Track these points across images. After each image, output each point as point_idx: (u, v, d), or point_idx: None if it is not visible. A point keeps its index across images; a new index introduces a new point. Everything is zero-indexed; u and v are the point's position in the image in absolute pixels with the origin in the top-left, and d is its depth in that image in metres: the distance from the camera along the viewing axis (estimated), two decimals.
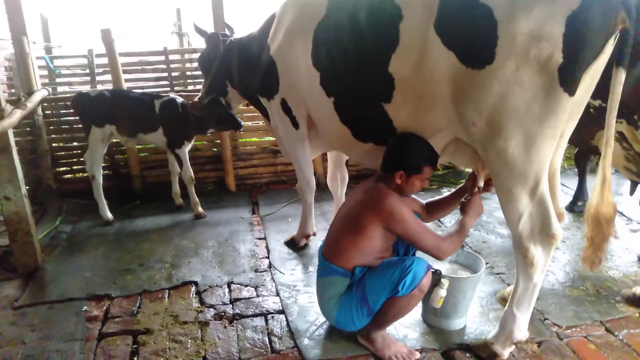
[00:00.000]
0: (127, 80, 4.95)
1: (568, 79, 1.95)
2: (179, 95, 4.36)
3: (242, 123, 4.12)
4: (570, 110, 2.07)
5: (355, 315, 2.40)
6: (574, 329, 2.65)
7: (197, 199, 4.44)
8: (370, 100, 2.53)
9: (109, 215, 4.37)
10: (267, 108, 3.44)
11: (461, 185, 2.69)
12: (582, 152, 4.13)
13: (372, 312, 2.38)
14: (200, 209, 4.44)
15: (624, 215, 4.09)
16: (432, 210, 2.76)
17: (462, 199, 2.58)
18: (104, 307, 2.97)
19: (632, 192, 3.27)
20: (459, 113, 2.22)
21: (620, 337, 2.57)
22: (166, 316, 2.86)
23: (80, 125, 4.60)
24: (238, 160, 5.17)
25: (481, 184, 2.58)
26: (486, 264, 3.01)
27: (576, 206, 4.22)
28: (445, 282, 2.44)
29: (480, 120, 2.14)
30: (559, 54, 1.91)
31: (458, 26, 2.09)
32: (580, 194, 4.25)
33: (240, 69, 3.59)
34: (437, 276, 2.46)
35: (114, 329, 2.74)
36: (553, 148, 2.16)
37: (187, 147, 4.33)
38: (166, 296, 3.10)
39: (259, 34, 3.43)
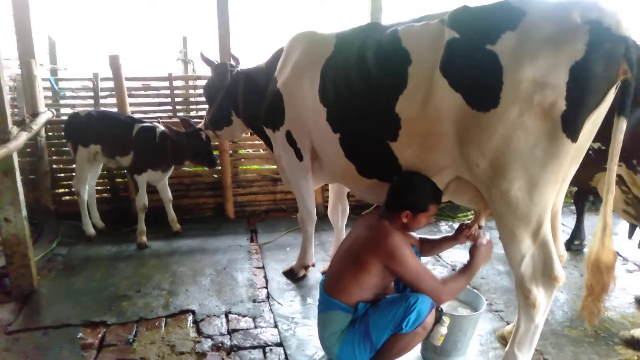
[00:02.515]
0: (130, 104, 4.99)
1: (570, 126, 2.01)
2: (184, 120, 4.33)
3: (218, 162, 4.18)
4: (573, 155, 2.13)
5: (358, 351, 2.37)
6: None
7: (143, 228, 4.34)
8: (376, 138, 2.58)
9: (92, 230, 4.45)
10: (272, 139, 3.48)
11: (457, 231, 2.73)
12: (581, 192, 4.19)
13: (374, 349, 2.36)
14: (144, 239, 4.33)
15: (620, 256, 4.12)
16: (426, 248, 2.77)
17: (469, 239, 2.61)
18: (100, 335, 2.93)
19: (630, 235, 3.31)
20: (463, 153, 2.27)
21: None
22: (163, 345, 2.83)
23: None
24: (238, 187, 5.19)
25: (482, 223, 2.61)
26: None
27: (573, 245, 4.25)
28: (446, 320, 2.44)
29: (483, 161, 2.18)
30: (562, 102, 1.97)
31: (464, 69, 2.15)
32: (577, 232, 4.29)
33: (246, 100, 3.64)
34: (438, 313, 2.46)
35: (109, 358, 2.70)
36: (556, 191, 2.20)
37: (153, 176, 4.29)
38: (163, 325, 3.07)
39: (266, 66, 3.51)
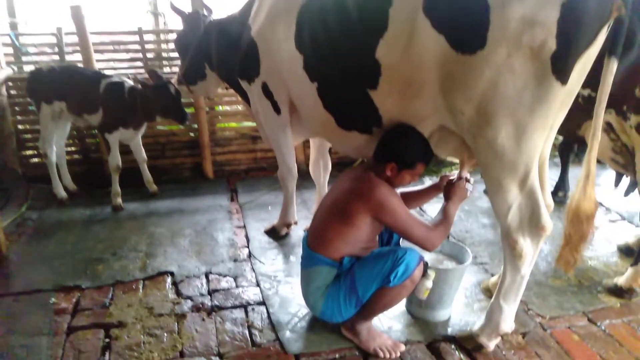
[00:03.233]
0: (98, 61, 4.73)
1: (561, 67, 1.89)
2: (152, 72, 4.06)
3: (188, 117, 3.97)
4: (562, 99, 2.02)
5: (343, 306, 2.33)
6: (557, 320, 2.64)
7: (118, 189, 4.17)
8: (355, 87, 2.43)
9: (63, 193, 4.28)
10: (248, 92, 3.30)
11: (437, 180, 2.65)
12: (567, 143, 4.13)
13: (360, 303, 2.32)
14: (119, 201, 4.17)
15: (603, 206, 4.11)
16: (409, 201, 2.69)
17: (445, 183, 2.53)
18: (74, 299, 2.82)
19: (617, 184, 3.27)
20: (448, 101, 2.15)
21: (603, 328, 2.58)
22: (140, 308, 2.74)
23: None
24: (216, 146, 5.01)
25: (466, 174, 2.53)
26: None
27: (557, 196, 4.21)
28: (431, 274, 2.38)
29: (469, 108, 2.07)
30: (552, 41, 1.84)
31: (449, 9, 2.00)
32: (562, 184, 4.26)
33: (220, 51, 3.43)
34: (423, 267, 2.41)
35: (84, 322, 2.60)
36: (544, 138, 2.11)
37: (125, 135, 4.09)
38: (140, 287, 2.97)
39: (240, 14, 3.28)
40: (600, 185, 4.59)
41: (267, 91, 3.09)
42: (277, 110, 3.12)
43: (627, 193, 3.31)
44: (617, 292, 2.84)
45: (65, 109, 4.01)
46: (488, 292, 2.84)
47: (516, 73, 1.92)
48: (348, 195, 2.32)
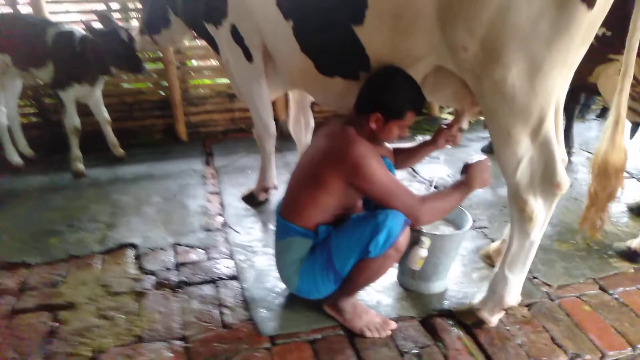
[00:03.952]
0: (55, 13, 4.22)
1: None
2: (102, 16, 3.58)
3: (146, 68, 3.55)
4: (585, 30, 1.67)
5: (320, 282, 2.02)
6: (566, 289, 2.37)
7: (78, 153, 3.76)
8: (337, 23, 2.05)
9: (18, 159, 3.89)
10: (216, 38, 2.88)
11: (435, 133, 2.30)
12: (573, 92, 3.78)
13: (340, 278, 2.00)
14: (80, 166, 3.77)
15: None
16: (402, 158, 2.36)
17: (448, 143, 2.18)
18: (20, 278, 2.48)
19: (632, 135, 2.95)
20: (447, 35, 1.79)
21: (616, 296, 2.32)
22: (96, 287, 2.41)
23: None
24: (189, 105, 4.58)
25: (465, 125, 2.19)
26: None
27: None
28: (426, 241, 2.07)
29: (473, 43, 1.72)
30: None
31: None
32: (566, 139, 3.93)
33: None
34: (416, 233, 2.09)
35: (29, 304, 2.27)
36: (562, 78, 1.77)
37: (80, 92, 3.65)
38: (98, 262, 2.63)
39: None
40: None
41: (236, 35, 2.67)
42: (248, 57, 2.72)
43: None
44: (630, 256, 2.57)
45: (10, 63, 3.55)
46: (488, 259, 2.55)
47: None
48: (321, 155, 1.96)
